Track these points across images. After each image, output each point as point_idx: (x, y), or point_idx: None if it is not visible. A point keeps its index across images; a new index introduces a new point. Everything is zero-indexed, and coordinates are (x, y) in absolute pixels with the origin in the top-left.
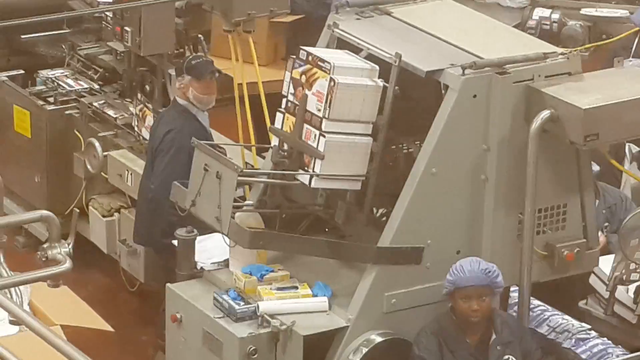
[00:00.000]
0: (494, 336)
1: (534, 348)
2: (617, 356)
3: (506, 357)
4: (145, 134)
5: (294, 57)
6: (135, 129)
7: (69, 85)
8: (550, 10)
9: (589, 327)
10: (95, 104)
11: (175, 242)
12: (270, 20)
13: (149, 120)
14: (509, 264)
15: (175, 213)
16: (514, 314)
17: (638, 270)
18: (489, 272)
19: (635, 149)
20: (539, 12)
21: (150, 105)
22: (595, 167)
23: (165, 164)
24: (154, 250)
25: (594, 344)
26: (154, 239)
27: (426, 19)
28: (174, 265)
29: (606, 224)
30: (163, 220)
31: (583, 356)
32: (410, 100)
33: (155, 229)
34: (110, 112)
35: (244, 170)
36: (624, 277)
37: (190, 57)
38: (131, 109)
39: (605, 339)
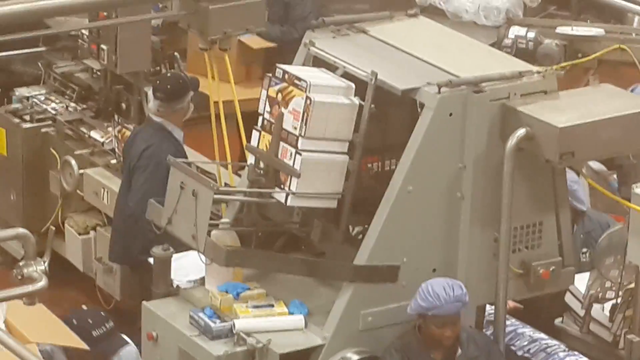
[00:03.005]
0: (459, 351)
1: None
2: (527, 335)
3: None
4: None
5: (270, 75)
6: (117, 150)
7: (45, 104)
8: (526, 29)
9: None
10: (71, 122)
11: (151, 259)
12: (240, 40)
13: None
14: (485, 282)
15: (153, 230)
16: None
17: (613, 289)
18: (462, 295)
19: (595, 165)
20: (515, 31)
21: (129, 126)
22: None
23: (143, 180)
24: (130, 267)
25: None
26: (130, 257)
27: (402, 37)
28: (149, 283)
29: (584, 249)
30: (141, 237)
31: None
32: (386, 118)
33: (132, 246)
34: (84, 129)
35: (220, 188)
36: (600, 295)
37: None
38: (110, 129)
39: (514, 320)
